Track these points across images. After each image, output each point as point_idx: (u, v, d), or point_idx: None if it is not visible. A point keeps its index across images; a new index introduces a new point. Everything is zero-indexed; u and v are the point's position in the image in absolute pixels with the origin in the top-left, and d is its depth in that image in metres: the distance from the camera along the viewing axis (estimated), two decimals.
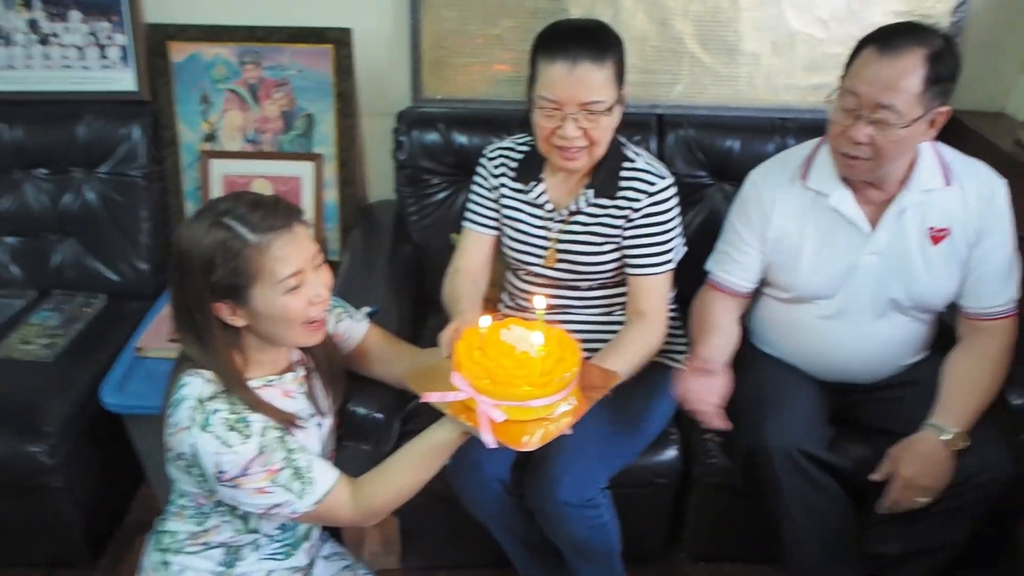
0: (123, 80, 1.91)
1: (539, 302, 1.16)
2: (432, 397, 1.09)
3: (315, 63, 1.92)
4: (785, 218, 1.47)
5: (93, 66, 1.91)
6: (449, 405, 1.10)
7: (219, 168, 1.97)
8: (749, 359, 1.60)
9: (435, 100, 1.95)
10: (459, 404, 1.08)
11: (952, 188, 1.41)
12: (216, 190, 1.96)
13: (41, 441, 1.51)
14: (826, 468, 1.42)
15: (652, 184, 1.41)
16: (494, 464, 1.38)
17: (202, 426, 1.08)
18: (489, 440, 1.05)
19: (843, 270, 1.45)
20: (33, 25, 1.88)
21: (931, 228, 1.42)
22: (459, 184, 1.92)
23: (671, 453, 1.54)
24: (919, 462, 1.36)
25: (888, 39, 1.28)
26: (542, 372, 1.06)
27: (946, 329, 1.57)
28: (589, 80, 1.29)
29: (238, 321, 1.12)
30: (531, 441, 1.06)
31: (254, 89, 1.94)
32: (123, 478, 1.89)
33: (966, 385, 1.42)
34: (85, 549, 1.70)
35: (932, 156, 1.42)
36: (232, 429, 1.09)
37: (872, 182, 1.41)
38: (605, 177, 1.42)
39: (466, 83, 1.94)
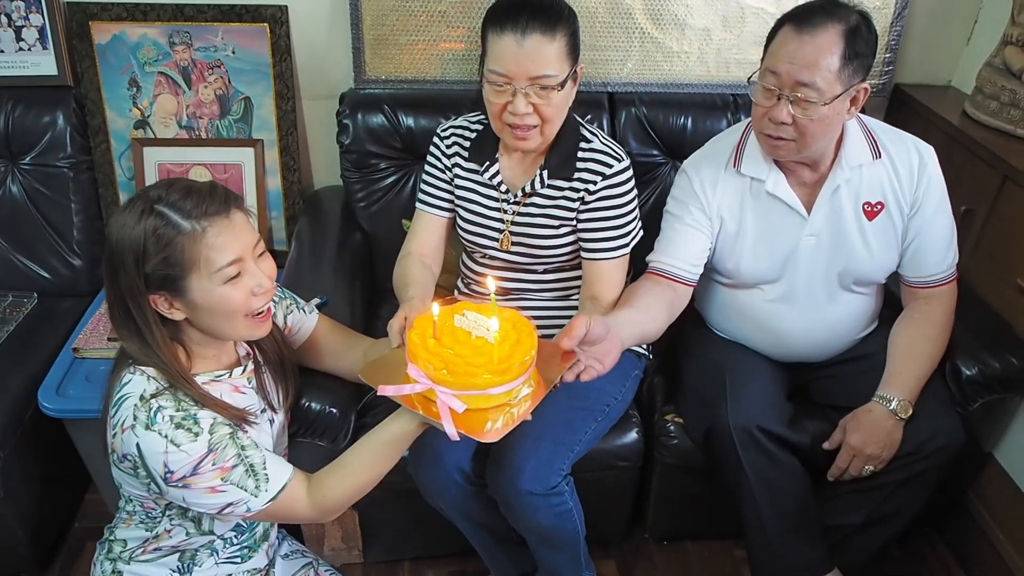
0: (43, 64, 1.79)
1: (490, 284, 1.14)
2: (388, 391, 1.06)
3: (250, 43, 1.83)
4: (724, 206, 1.47)
5: (8, 49, 1.78)
6: (406, 398, 1.07)
7: (153, 156, 1.87)
8: (705, 342, 1.62)
9: (379, 81, 1.88)
10: (417, 396, 1.05)
11: (881, 161, 1.42)
12: (151, 179, 1.87)
13: None
14: (785, 445, 1.44)
15: (609, 166, 1.38)
16: (454, 454, 1.36)
17: (146, 424, 1.03)
18: (452, 432, 1.03)
19: (784, 254, 1.46)
20: None
21: (865, 203, 1.43)
22: (408, 168, 1.86)
23: (632, 436, 1.54)
24: (866, 431, 1.40)
25: (805, 16, 1.28)
26: (501, 358, 1.04)
27: (892, 298, 1.60)
28: (539, 53, 1.25)
29: (176, 314, 1.07)
30: (494, 429, 1.04)
31: (186, 72, 1.84)
32: (68, 484, 1.81)
33: (910, 355, 1.46)
34: (31, 561, 1.63)
35: (859, 130, 1.43)
36: (179, 427, 1.04)
37: (803, 162, 1.41)
38: (561, 158, 1.39)
39: (411, 63, 1.87)
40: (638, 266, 1.54)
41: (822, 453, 1.47)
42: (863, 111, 1.41)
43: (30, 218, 1.81)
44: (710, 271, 1.56)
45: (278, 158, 1.90)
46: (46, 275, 1.84)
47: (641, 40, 1.89)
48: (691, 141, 1.84)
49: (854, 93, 1.31)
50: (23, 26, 1.77)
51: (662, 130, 1.87)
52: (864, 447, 1.40)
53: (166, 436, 1.03)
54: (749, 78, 1.37)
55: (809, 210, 1.44)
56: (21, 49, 1.78)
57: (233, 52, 1.82)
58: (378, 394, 1.08)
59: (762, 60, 1.35)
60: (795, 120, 1.30)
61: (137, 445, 1.03)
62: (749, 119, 1.49)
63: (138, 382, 1.07)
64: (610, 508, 1.64)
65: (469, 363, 1.03)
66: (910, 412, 1.40)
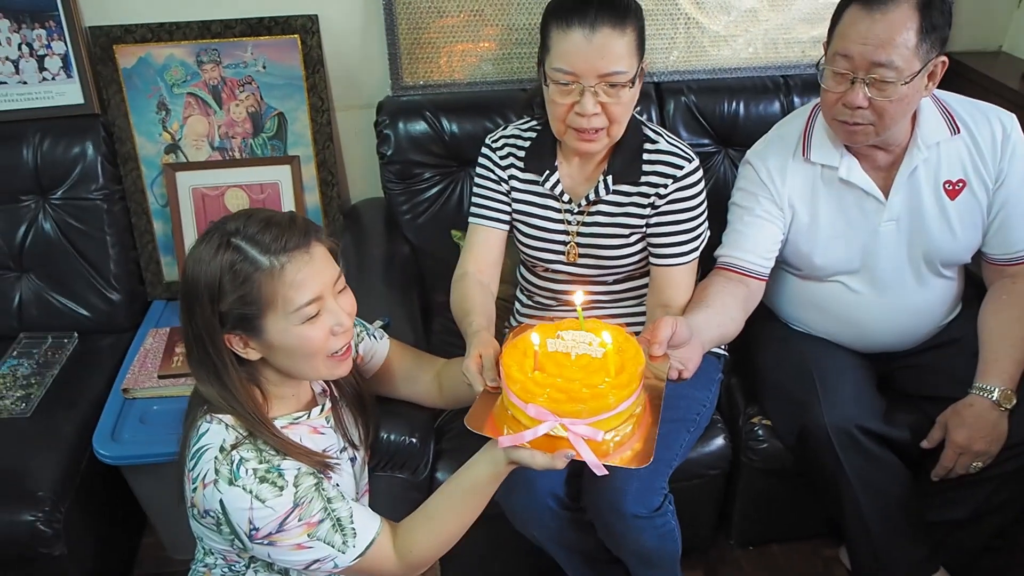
0: (68, 93, 1.72)
1: (579, 298, 1.06)
2: (507, 440, 0.97)
3: (281, 56, 1.75)
4: (795, 195, 1.39)
5: (31, 80, 1.70)
6: (531, 441, 0.97)
7: (187, 181, 1.79)
8: (782, 336, 1.54)
9: (417, 87, 1.81)
10: (541, 437, 0.96)
11: (960, 136, 1.35)
12: (186, 206, 1.80)
13: (36, 508, 1.36)
14: (884, 441, 1.37)
15: (679, 168, 1.30)
16: (548, 480, 1.29)
17: (229, 480, 0.97)
18: (600, 467, 0.95)
19: (862, 242, 1.39)
20: None
21: (946, 182, 1.36)
22: (453, 176, 1.79)
23: (719, 442, 1.47)
24: (970, 427, 1.32)
25: None
26: (618, 370, 0.97)
27: (973, 277, 1.53)
28: (610, 48, 1.17)
29: (252, 354, 1.01)
30: (632, 450, 0.98)
31: (216, 91, 1.76)
32: (125, 531, 1.74)
33: (1006, 339, 1.38)
34: None
35: (933, 107, 1.36)
36: (263, 481, 0.98)
37: (877, 145, 1.34)
38: (625, 161, 1.31)
39: (449, 66, 1.80)
40: (706, 259, 1.46)
41: (918, 445, 1.40)
42: None
43: (65, 254, 1.73)
44: (781, 263, 1.48)
45: (315, 173, 1.83)
46: (85, 312, 1.77)
47: (686, 27, 1.82)
48: (744, 127, 1.78)
49: (932, 68, 1.23)
50: (45, 55, 1.69)
51: (713, 118, 1.80)
52: (971, 444, 1.32)
53: (251, 491, 0.97)
54: (817, 64, 1.29)
55: (886, 194, 1.37)
56: (45, 79, 1.70)
57: (264, 67, 1.75)
58: (501, 447, 0.99)
59: (828, 43, 1.27)
60: (872, 103, 1.23)
61: (221, 501, 0.97)
62: (813, 103, 1.42)
63: (216, 431, 1.00)
64: (696, 517, 1.57)
65: (588, 384, 0.95)
66: (1014, 401, 1.33)
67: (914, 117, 1.33)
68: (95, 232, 1.74)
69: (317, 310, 0.99)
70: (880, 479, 1.37)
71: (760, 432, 1.50)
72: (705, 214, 1.36)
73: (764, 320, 1.58)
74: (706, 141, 1.82)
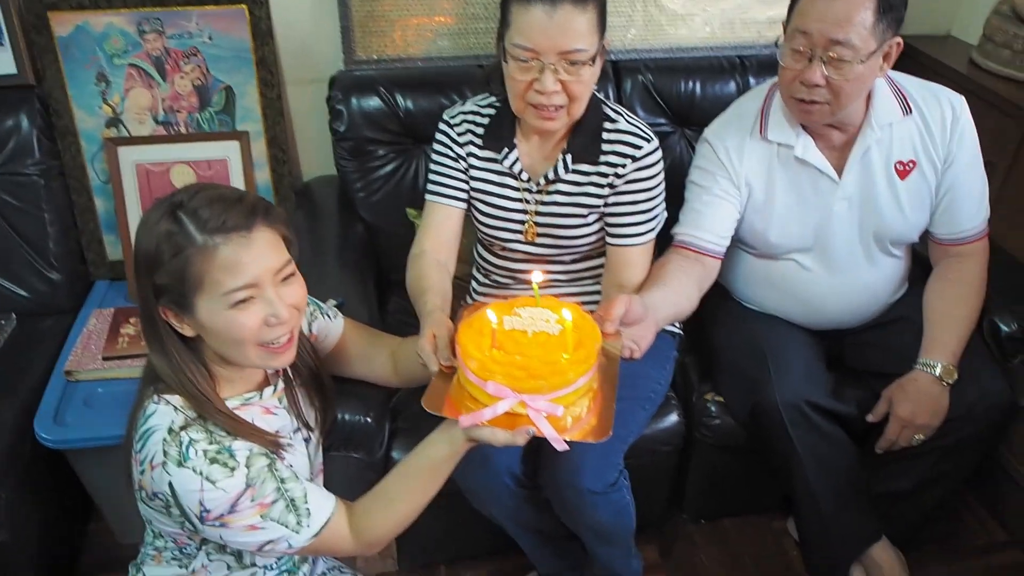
0: (1, 63, 1.63)
1: (537, 276, 1.05)
2: (468, 420, 0.96)
3: (228, 27, 1.68)
4: (752, 173, 1.41)
5: None
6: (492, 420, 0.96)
7: (129, 156, 1.72)
8: (736, 315, 1.57)
9: (371, 61, 1.77)
10: (501, 415, 0.95)
11: (912, 116, 1.38)
12: (129, 182, 1.73)
13: None
14: (833, 417, 1.41)
15: (638, 148, 1.29)
16: (504, 457, 1.29)
17: (178, 461, 0.95)
18: (561, 443, 0.95)
19: (816, 220, 1.42)
20: None
21: (897, 163, 1.39)
22: (408, 153, 1.76)
23: (672, 419, 1.49)
24: (914, 401, 1.37)
25: None
26: (576, 345, 0.97)
27: (919, 257, 1.57)
28: (571, 25, 1.16)
29: (187, 331, 0.98)
30: (586, 423, 0.98)
31: (160, 62, 1.69)
32: (70, 517, 1.69)
33: (949, 317, 1.43)
34: None
35: (887, 87, 1.38)
36: (214, 462, 0.95)
37: (833, 125, 1.36)
38: (585, 140, 1.30)
39: (404, 40, 1.76)
40: (663, 240, 1.47)
41: (864, 420, 1.45)
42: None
43: (1, 232, 1.66)
44: (737, 242, 1.50)
45: (266, 150, 1.78)
46: (23, 293, 1.69)
47: (644, 5, 1.81)
48: (700, 107, 1.79)
49: (887, 48, 1.25)
50: None
51: (670, 97, 1.80)
52: (914, 418, 1.37)
53: (201, 473, 0.94)
54: (776, 41, 1.30)
55: (840, 174, 1.39)
56: None
57: (210, 38, 1.68)
58: (462, 427, 0.98)
59: (787, 22, 1.28)
60: (829, 81, 1.25)
61: (170, 483, 0.95)
62: (770, 82, 1.44)
63: (164, 412, 0.98)
64: (651, 493, 1.59)
65: (547, 361, 0.94)
66: (955, 376, 1.38)
67: (869, 97, 1.36)
68: (32, 209, 1.67)
69: (248, 296, 0.95)
70: (829, 454, 1.41)
71: (713, 408, 1.52)
72: (663, 195, 1.36)
73: (718, 299, 1.60)
74: (663, 120, 1.82)
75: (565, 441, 0.96)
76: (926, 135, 1.38)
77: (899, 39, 1.26)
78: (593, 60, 1.20)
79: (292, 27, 1.74)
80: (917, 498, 1.49)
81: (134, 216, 1.71)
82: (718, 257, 1.42)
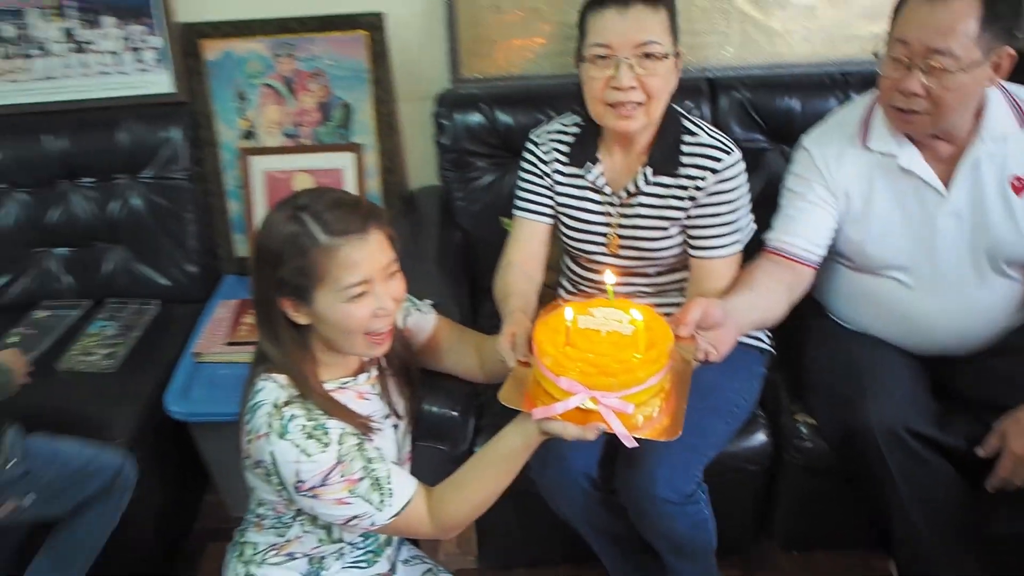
0: (160, 83, 1.88)
1: (609, 277, 1.09)
2: (541, 412, 1.01)
3: (349, 51, 1.86)
4: (850, 183, 1.38)
5: (130, 70, 1.88)
6: (563, 414, 1.01)
7: (259, 165, 1.93)
8: (831, 333, 1.52)
9: (474, 80, 1.89)
10: (572, 410, 0.99)
11: None
12: (258, 187, 1.93)
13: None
14: (935, 447, 1.33)
15: (718, 160, 1.31)
16: (582, 459, 1.32)
17: (280, 433, 1.05)
18: (630, 439, 0.98)
19: (919, 236, 1.37)
20: (68, 34, 1.85)
21: (1014, 178, 1.32)
22: (506, 166, 1.85)
23: (760, 438, 1.46)
24: None
25: None
26: (648, 345, 1.00)
27: None
28: (643, 21, 1.22)
29: (301, 319, 1.08)
30: (655, 422, 1.01)
31: (289, 82, 1.89)
32: (190, 487, 1.89)
33: None
34: (159, 559, 1.70)
35: (1002, 99, 1.32)
36: (310, 437, 1.05)
37: (938, 135, 1.31)
38: (664, 152, 1.33)
39: (506, 60, 1.87)
40: (754, 252, 1.46)
41: (977, 456, 1.35)
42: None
43: (151, 229, 1.90)
44: (834, 254, 1.46)
45: (377, 161, 1.93)
46: (166, 282, 1.93)
47: (741, 22, 1.83)
48: (799, 123, 1.76)
49: (996, 59, 1.21)
50: (141, 48, 1.86)
51: (766, 113, 1.80)
52: None
53: (298, 446, 1.04)
54: (875, 52, 1.29)
55: (948, 186, 1.34)
56: (140, 70, 1.88)
57: (333, 61, 1.87)
58: (535, 419, 1.03)
59: (889, 32, 1.27)
60: (928, 91, 1.22)
61: (271, 453, 1.05)
62: (874, 92, 1.40)
63: (271, 390, 1.08)
64: (735, 514, 1.56)
65: (619, 360, 0.98)
66: None
67: (981, 108, 1.31)
68: (178, 210, 1.90)
69: (363, 291, 1.05)
70: (929, 483, 1.33)
71: (804, 430, 1.47)
72: (748, 207, 1.37)
73: (813, 317, 1.57)
74: (760, 137, 1.82)
75: (635, 439, 0.98)
76: None
77: (1011, 50, 1.22)
78: (667, 58, 1.24)
79: (405, 50, 1.90)
80: None
81: (260, 217, 1.90)
82: (811, 265, 1.39)
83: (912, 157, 1.34)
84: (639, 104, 1.25)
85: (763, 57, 1.86)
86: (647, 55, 1.22)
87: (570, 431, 1.01)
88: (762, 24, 1.83)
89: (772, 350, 1.51)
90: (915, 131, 1.30)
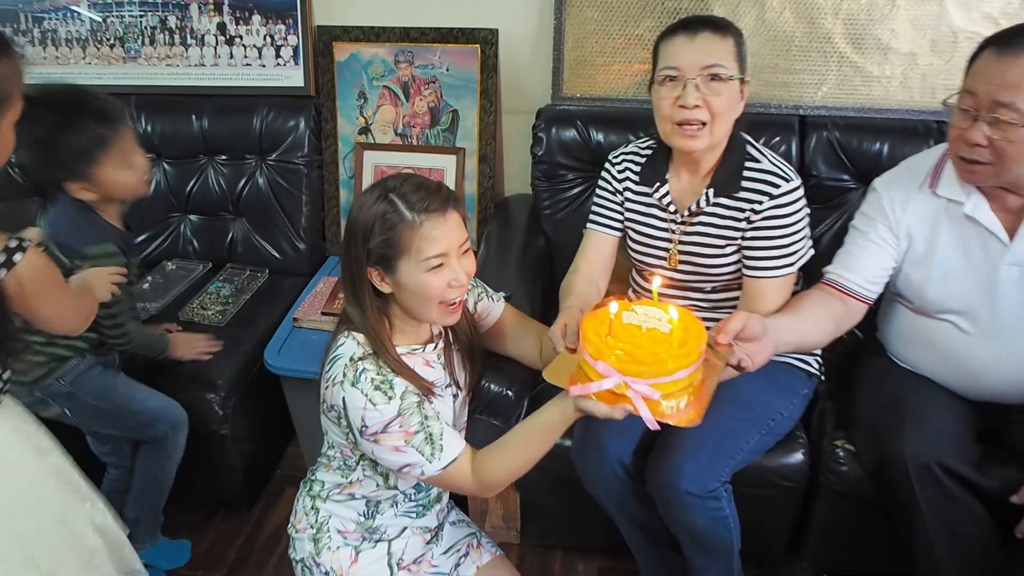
0: (294, 77, 2.12)
1: (656, 281, 1.19)
2: (577, 390, 1.12)
3: (463, 62, 2.04)
4: (914, 226, 1.42)
5: (269, 64, 2.12)
6: (597, 393, 1.11)
7: (371, 159, 2.13)
8: (884, 370, 1.56)
9: (574, 98, 2.02)
10: (605, 392, 1.10)
11: None
12: (367, 179, 2.13)
13: (215, 392, 1.72)
14: (969, 487, 1.35)
15: (776, 186, 1.38)
16: (618, 446, 1.42)
17: (352, 382, 1.19)
18: (652, 421, 1.08)
19: (980, 283, 1.39)
20: (222, 27, 2.12)
21: None
22: (593, 180, 1.93)
23: (797, 457, 1.52)
24: None
25: (1009, 38, 1.24)
26: (680, 342, 1.09)
27: None
28: (710, 46, 1.32)
29: (385, 288, 1.22)
30: (681, 411, 1.10)
31: (406, 86, 2.08)
32: (276, 435, 2.10)
33: None
34: (244, 494, 1.91)
35: None
36: (378, 388, 1.18)
37: (1007, 187, 1.33)
38: (727, 176, 1.42)
39: (605, 82, 1.99)
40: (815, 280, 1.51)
41: (1012, 505, 1.37)
42: None
43: (270, 206, 2.13)
44: (895, 294, 1.51)
45: (476, 166, 2.09)
46: (276, 255, 2.16)
47: (839, 64, 1.87)
48: (887, 167, 1.75)
49: None
50: (282, 45, 2.10)
51: (855, 155, 1.83)
52: None
53: (366, 395, 1.18)
54: (945, 100, 1.33)
55: (1012, 237, 1.36)
56: (278, 64, 2.12)
57: (447, 70, 2.04)
58: (571, 395, 1.14)
59: (963, 83, 1.31)
60: (992, 142, 1.26)
61: (343, 399, 1.19)
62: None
63: (350, 345, 1.23)
64: (769, 528, 1.62)
65: (652, 352, 1.08)
66: None
67: None
68: (295, 191, 2.12)
69: (441, 263, 1.19)
70: (959, 522, 1.35)
71: (841, 454, 1.52)
72: (804, 232, 1.43)
73: (872, 355, 1.61)
74: (846, 177, 1.85)
75: (659, 424, 1.08)
76: None
77: None
78: (732, 80, 1.33)
79: (513, 66, 2.05)
80: None
81: None
82: (864, 301, 1.44)
83: (978, 205, 1.36)
84: (703, 124, 1.35)
85: (858, 99, 1.89)
86: (713, 77, 1.32)
87: (601, 409, 1.11)
88: (860, 67, 1.87)
89: (820, 375, 1.56)
90: (977, 181, 1.33)
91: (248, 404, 1.82)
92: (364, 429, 1.19)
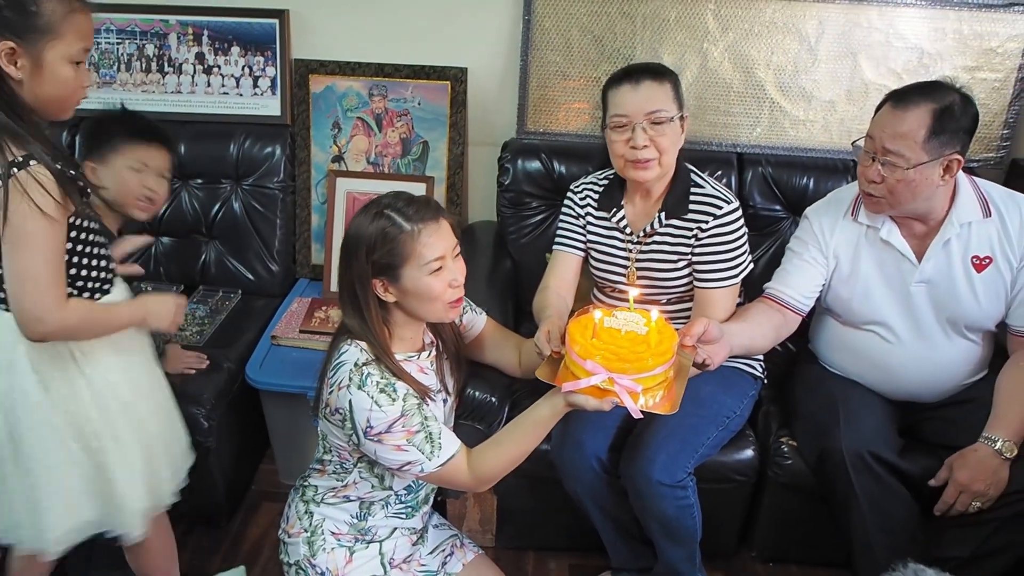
0: (270, 107, 2.21)
1: (633, 292, 1.36)
2: (568, 386, 1.27)
3: (434, 97, 2.18)
4: (840, 248, 1.65)
5: (246, 93, 2.21)
6: (584, 388, 1.26)
7: (343, 186, 2.23)
8: (819, 376, 1.78)
9: (537, 133, 2.20)
10: (592, 387, 1.25)
11: (992, 219, 1.57)
12: (340, 205, 2.23)
13: (200, 406, 1.77)
14: (895, 473, 1.56)
15: (719, 208, 1.59)
16: (594, 443, 1.58)
17: (359, 385, 1.28)
18: (636, 411, 1.23)
19: (896, 298, 1.62)
20: (200, 57, 2.20)
21: (974, 257, 1.58)
22: (555, 208, 2.12)
23: (748, 453, 1.71)
24: (972, 469, 1.51)
25: (903, 94, 1.50)
26: (657, 342, 1.26)
27: (1001, 346, 1.71)
28: (651, 93, 1.54)
29: (389, 297, 1.33)
30: (658, 403, 1.25)
31: (379, 118, 2.21)
32: (252, 451, 2.14)
33: (1015, 399, 1.56)
34: (225, 507, 1.94)
35: (971, 191, 1.59)
36: (383, 391, 1.28)
37: (913, 216, 1.58)
38: (676, 200, 1.62)
39: (566, 119, 2.18)
40: (754, 295, 1.73)
41: (930, 489, 1.57)
42: (979, 176, 1.58)
43: (244, 229, 2.19)
44: (826, 309, 1.73)
45: (445, 194, 2.23)
46: (250, 276, 2.21)
47: (771, 109, 2.13)
48: (812, 200, 1.99)
49: (945, 162, 1.49)
50: (260, 76, 2.20)
51: (785, 188, 2.07)
52: (970, 484, 1.50)
53: (372, 397, 1.27)
54: (853, 142, 1.59)
55: (920, 259, 1.60)
56: (256, 94, 2.21)
57: (419, 104, 2.19)
58: (563, 392, 1.28)
59: (869, 128, 1.56)
60: (884, 179, 1.50)
61: (349, 402, 1.28)
62: None
63: (353, 352, 1.33)
64: (721, 522, 1.79)
65: (633, 352, 1.24)
66: (1015, 452, 1.50)
67: (953, 197, 1.58)
68: (269, 215, 2.20)
69: (440, 266, 1.32)
70: (888, 504, 1.56)
71: (786, 449, 1.72)
72: (744, 248, 1.63)
73: (806, 363, 1.83)
74: (777, 208, 2.09)
75: (641, 413, 1.23)
76: (1003, 235, 1.57)
77: (958, 156, 1.49)
78: (672, 120, 1.54)
79: (481, 102, 2.22)
80: (978, 567, 1.58)
81: (338, 231, 2.20)
82: (798, 312, 1.66)
83: (891, 231, 1.61)
84: (653, 158, 1.55)
85: (786, 139, 2.15)
86: (655, 121, 1.53)
87: (590, 403, 1.26)
88: (788, 111, 2.13)
89: (764, 378, 1.77)
90: (877, 211, 1.59)
91: (230, 419, 1.88)
92: (369, 430, 1.28)
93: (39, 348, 1.29)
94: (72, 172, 1.25)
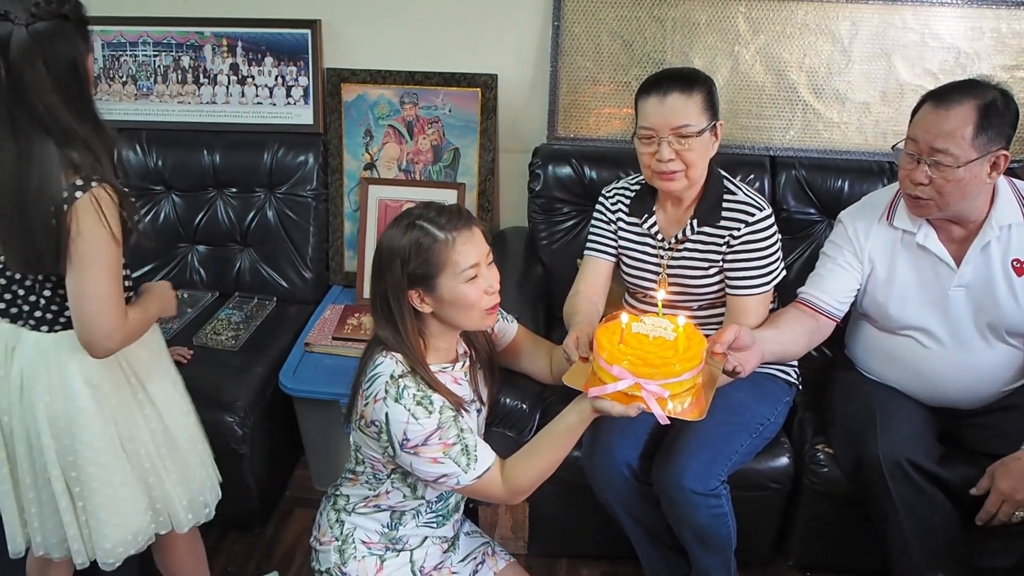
0: (303, 116, 2.24)
1: (660, 295, 1.36)
2: (596, 391, 1.25)
3: (464, 104, 2.20)
4: (876, 253, 1.62)
5: (279, 103, 2.25)
6: (610, 394, 1.25)
7: (375, 193, 2.25)
8: (855, 382, 1.74)
9: (568, 139, 2.20)
10: (619, 393, 1.24)
11: None
12: (372, 212, 2.25)
13: (234, 413, 1.79)
14: (934, 481, 1.53)
15: (751, 215, 1.57)
16: (625, 451, 1.57)
17: (396, 398, 1.28)
18: (663, 416, 1.22)
19: (934, 303, 1.59)
20: (234, 68, 2.24)
21: (1014, 260, 1.54)
22: (586, 213, 2.12)
23: (783, 460, 1.68)
24: (1015, 478, 1.47)
25: (943, 93, 1.47)
26: (684, 348, 1.25)
27: None
28: (678, 107, 1.50)
29: (425, 308, 1.32)
30: (685, 409, 1.24)
31: (410, 126, 2.23)
32: (285, 457, 2.16)
33: None
34: (259, 513, 1.97)
35: (1010, 192, 1.56)
36: (419, 404, 1.28)
37: (952, 220, 1.55)
38: (708, 208, 1.60)
39: (596, 124, 2.18)
40: (787, 301, 1.70)
41: (971, 497, 1.54)
42: (1019, 177, 1.54)
43: (278, 237, 2.23)
44: (862, 314, 1.70)
45: (476, 200, 2.24)
46: (283, 284, 2.25)
47: (804, 111, 2.10)
48: (847, 202, 1.97)
49: (992, 159, 1.46)
50: (292, 86, 2.23)
51: (819, 191, 2.05)
52: (1014, 493, 1.46)
53: (409, 410, 1.27)
54: (894, 145, 1.55)
55: (958, 263, 1.57)
56: (289, 104, 2.24)
57: (450, 111, 2.20)
58: (589, 396, 1.27)
59: (908, 130, 1.53)
60: (932, 181, 1.47)
61: (386, 414, 1.28)
62: None
63: (388, 364, 1.32)
64: (757, 529, 1.77)
65: (661, 357, 1.23)
66: None
67: (993, 199, 1.55)
68: (302, 223, 2.23)
69: (475, 273, 1.31)
70: (927, 513, 1.52)
71: (822, 457, 1.69)
72: (777, 256, 1.61)
73: (841, 368, 1.80)
74: (812, 211, 2.06)
75: (668, 419, 1.22)
76: None
77: (1005, 152, 1.46)
78: (701, 133, 1.51)
79: (511, 108, 2.22)
80: None
81: (371, 238, 2.22)
82: (832, 318, 1.63)
83: (928, 235, 1.58)
84: (678, 171, 1.53)
85: (820, 142, 2.12)
86: (682, 135, 1.50)
87: (617, 408, 1.25)
88: (822, 113, 2.10)
89: (798, 385, 1.75)
90: (924, 214, 1.55)
91: (263, 425, 1.90)
92: (405, 442, 1.27)
93: (92, 362, 1.32)
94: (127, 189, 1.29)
